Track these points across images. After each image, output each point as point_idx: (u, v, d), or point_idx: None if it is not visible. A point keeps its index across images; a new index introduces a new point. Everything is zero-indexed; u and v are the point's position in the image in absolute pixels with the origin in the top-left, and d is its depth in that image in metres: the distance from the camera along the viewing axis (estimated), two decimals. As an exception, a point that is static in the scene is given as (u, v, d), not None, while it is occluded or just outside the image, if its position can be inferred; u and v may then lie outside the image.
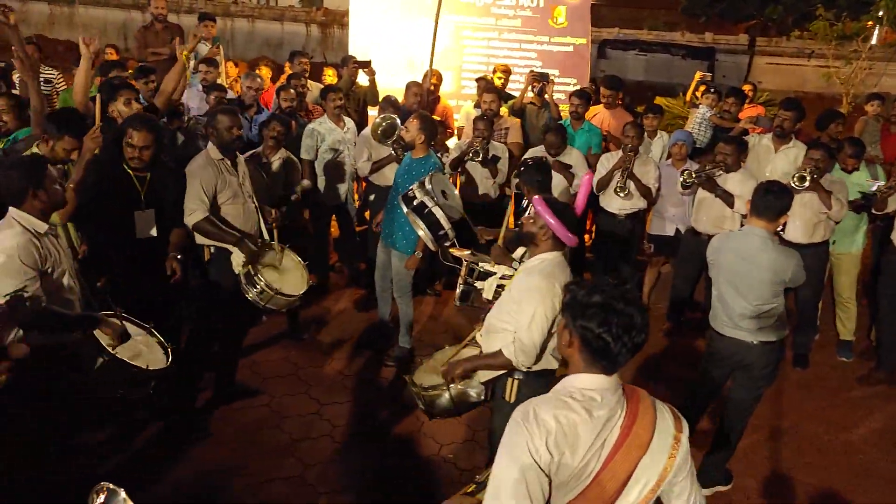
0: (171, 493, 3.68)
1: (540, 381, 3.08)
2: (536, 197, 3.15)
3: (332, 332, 5.56)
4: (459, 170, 5.90)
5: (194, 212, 4.03)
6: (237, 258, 4.10)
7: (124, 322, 3.36)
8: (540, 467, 1.82)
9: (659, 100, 10.62)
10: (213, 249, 4.20)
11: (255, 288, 4.05)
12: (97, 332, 3.15)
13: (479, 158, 5.59)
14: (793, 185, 4.77)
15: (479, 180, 5.91)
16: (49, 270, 3.07)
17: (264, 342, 5.31)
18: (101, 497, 1.37)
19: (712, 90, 7.13)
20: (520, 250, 4.26)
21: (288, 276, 4.32)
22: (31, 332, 2.98)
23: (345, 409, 4.58)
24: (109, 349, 3.13)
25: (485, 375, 3.29)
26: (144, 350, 3.41)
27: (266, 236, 4.42)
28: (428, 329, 5.72)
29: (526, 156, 5.81)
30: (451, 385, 3.28)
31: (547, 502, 1.88)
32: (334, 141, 5.79)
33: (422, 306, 6.11)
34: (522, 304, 3.02)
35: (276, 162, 5.20)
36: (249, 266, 4.03)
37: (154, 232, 3.99)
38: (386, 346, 5.29)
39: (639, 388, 2.03)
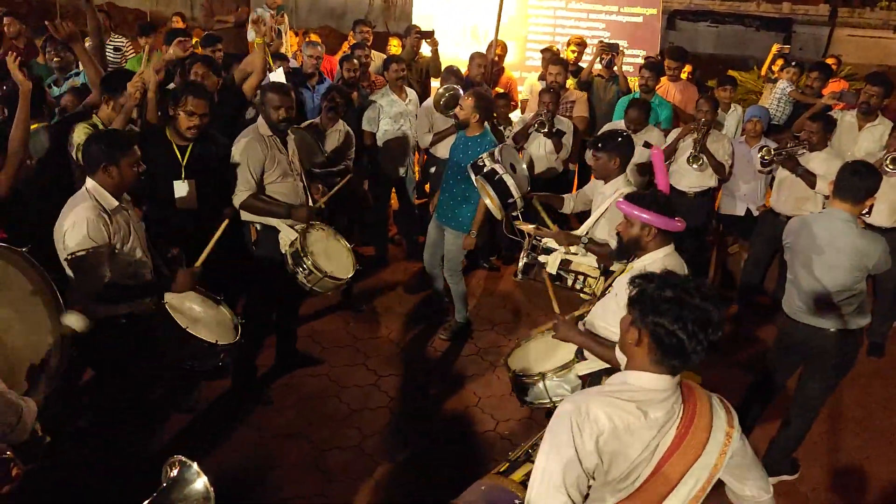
0: (237, 459, 3.77)
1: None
2: (620, 200, 2.96)
3: (390, 304, 5.58)
4: (522, 144, 5.78)
5: (240, 192, 3.98)
6: (285, 237, 4.05)
7: (196, 292, 3.43)
8: (583, 466, 1.74)
9: (731, 73, 10.16)
10: (259, 227, 4.16)
11: (303, 269, 3.97)
12: (169, 306, 3.21)
13: (545, 130, 5.44)
14: (886, 168, 4.50)
15: (544, 155, 5.77)
16: (119, 246, 3.12)
17: (322, 312, 5.36)
18: (175, 471, 1.37)
19: (793, 64, 6.76)
20: (584, 226, 4.16)
21: (335, 258, 4.25)
22: (99, 305, 3.05)
23: (401, 381, 4.59)
24: (181, 324, 3.18)
25: (584, 369, 3.16)
26: (214, 323, 3.45)
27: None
28: (485, 303, 5.67)
29: (604, 129, 5.64)
30: (547, 377, 3.19)
31: (586, 496, 1.81)
32: (396, 113, 5.74)
33: (479, 280, 6.07)
34: None
35: (333, 133, 5.18)
36: (298, 246, 3.96)
37: (194, 204, 3.91)
38: (441, 319, 5.28)
39: (696, 385, 1.93)
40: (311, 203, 4.28)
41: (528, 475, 2.33)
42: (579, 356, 3.17)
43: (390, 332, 5.18)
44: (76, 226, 2.97)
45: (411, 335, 5.15)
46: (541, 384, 3.21)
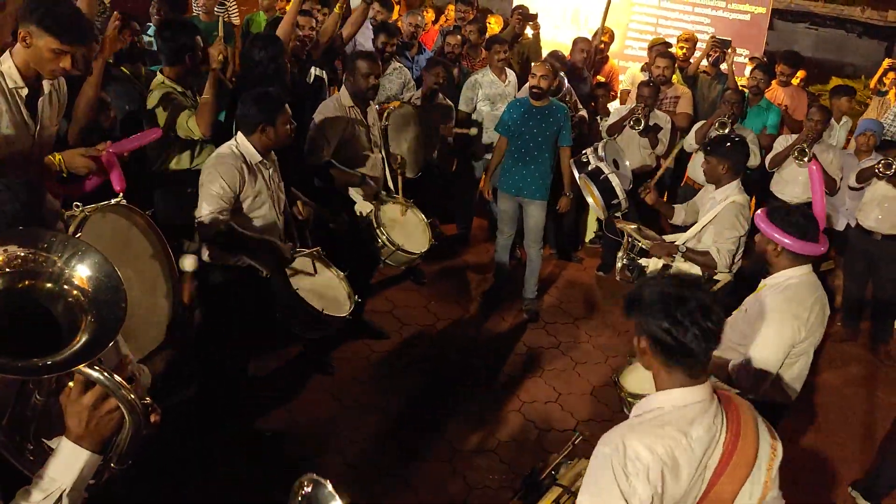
0: (319, 428, 3.81)
1: (771, 414, 2.85)
2: (759, 212, 2.82)
3: (470, 284, 5.52)
4: (615, 137, 5.62)
5: (319, 158, 4.00)
6: (359, 209, 4.05)
7: (320, 262, 3.46)
8: None
9: (836, 80, 9.73)
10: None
11: (376, 242, 3.96)
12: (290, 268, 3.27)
13: (640, 127, 5.27)
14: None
15: (637, 150, 5.59)
16: (251, 199, 3.19)
17: (405, 289, 5.35)
18: (307, 488, 1.35)
19: (920, 79, 6.38)
20: (682, 237, 4.01)
21: (411, 233, 4.22)
22: (216, 249, 3.11)
23: (479, 368, 4.54)
24: (293, 286, 3.22)
25: None
26: (330, 294, 3.47)
27: (391, 187, 4.36)
28: (567, 296, 5.57)
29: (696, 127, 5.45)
30: None
31: None
32: (494, 94, 5.63)
33: (562, 270, 5.96)
34: (757, 325, 2.73)
35: (434, 108, 5.11)
36: (372, 217, 3.95)
37: None
38: (509, 297, 5.25)
39: (734, 394, 1.82)
40: (388, 173, 4.31)
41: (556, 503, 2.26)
42: None
43: (470, 314, 5.14)
44: (215, 167, 3.10)
45: (492, 319, 5.10)
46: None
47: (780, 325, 2.66)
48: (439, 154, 5.30)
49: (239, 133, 3.20)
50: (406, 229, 4.20)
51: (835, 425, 4.37)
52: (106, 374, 1.38)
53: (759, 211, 2.84)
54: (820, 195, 3.36)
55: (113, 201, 2.18)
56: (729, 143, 4.01)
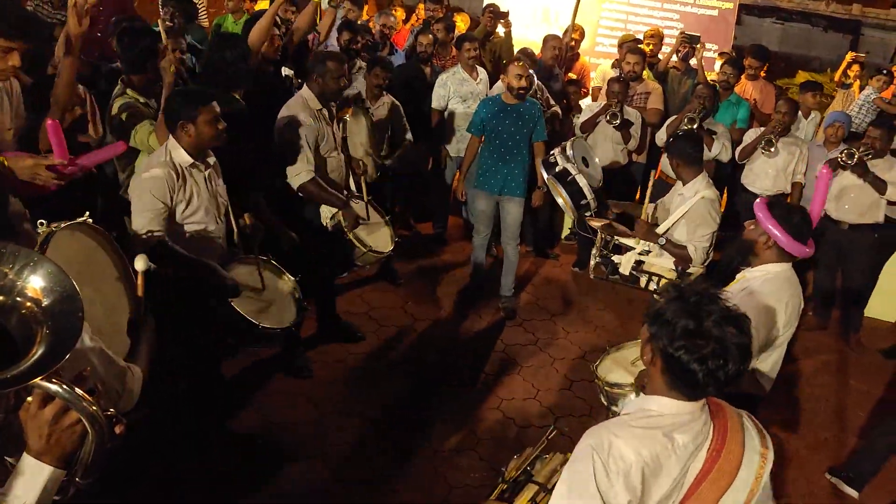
0: (295, 433, 3.77)
1: (745, 405, 2.87)
2: (758, 201, 2.83)
3: (447, 284, 5.50)
4: (589, 134, 5.64)
5: (300, 173, 3.84)
6: (326, 210, 4.02)
7: (268, 270, 3.36)
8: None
9: (803, 74, 9.89)
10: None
11: (347, 243, 3.95)
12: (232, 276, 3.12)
13: (617, 122, 5.30)
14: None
15: (610, 145, 5.62)
16: (184, 205, 3.02)
17: (381, 290, 5.33)
18: None
19: (884, 72, 6.51)
20: (663, 226, 4.04)
21: (375, 232, 4.24)
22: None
23: (458, 366, 4.53)
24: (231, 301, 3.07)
25: None
26: (276, 304, 3.34)
27: (353, 188, 4.32)
28: (544, 293, 5.58)
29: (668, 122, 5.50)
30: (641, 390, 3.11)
31: None
32: (466, 92, 5.62)
33: (538, 268, 5.97)
34: None
35: (380, 108, 5.08)
36: (339, 219, 3.93)
37: None
38: (486, 296, 5.26)
39: (724, 403, 1.82)
40: (352, 175, 4.29)
41: (532, 501, 2.27)
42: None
43: (447, 313, 5.13)
44: (142, 178, 2.94)
45: (469, 318, 5.09)
46: (632, 395, 3.11)
47: (757, 321, 2.66)
48: (412, 154, 5.28)
49: (170, 136, 3.05)
50: (371, 229, 4.22)
51: (809, 413, 4.43)
52: (65, 386, 1.34)
53: (758, 200, 2.84)
54: (821, 198, 3.37)
55: (79, 220, 2.12)
56: (682, 141, 4.06)
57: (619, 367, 3.17)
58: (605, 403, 3.15)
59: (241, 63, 3.74)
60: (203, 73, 4.11)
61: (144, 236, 2.90)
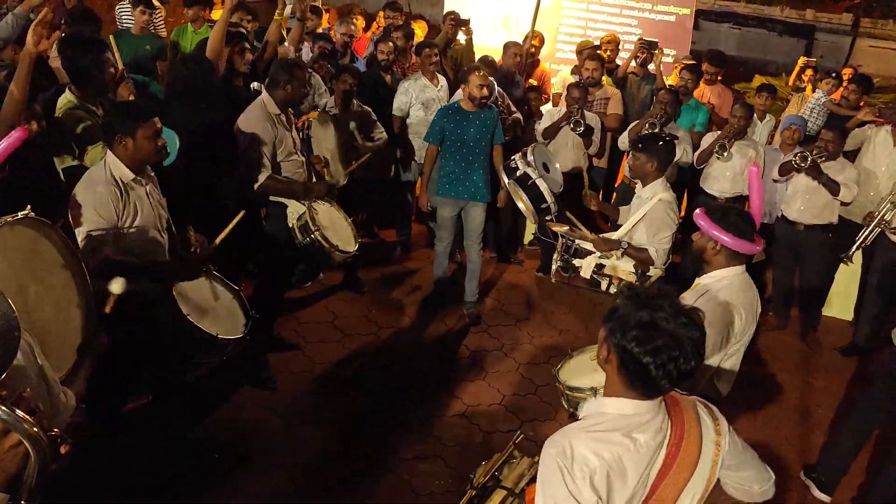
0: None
1: None
2: (698, 211, 2.86)
3: (411, 291, 5.50)
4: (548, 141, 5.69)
5: (260, 174, 3.95)
6: (293, 211, 4.07)
7: (212, 281, 3.31)
8: None
9: (759, 78, 10.10)
10: (267, 205, 4.20)
11: (312, 242, 3.98)
12: (177, 292, 3.05)
13: (581, 129, 5.35)
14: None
15: (571, 151, 5.68)
16: (129, 221, 2.96)
17: (345, 297, 5.30)
18: None
19: (832, 75, 6.68)
20: (622, 230, 4.09)
21: (340, 231, 4.29)
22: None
23: (424, 374, 4.52)
24: (183, 311, 3.01)
25: None
26: (224, 315, 3.29)
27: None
28: (508, 298, 5.60)
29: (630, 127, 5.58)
30: (598, 391, 3.11)
31: None
32: (427, 98, 5.64)
33: (502, 273, 6.00)
34: None
35: (350, 114, 5.09)
36: (307, 219, 3.97)
37: None
38: (450, 302, 5.27)
39: (680, 396, 1.85)
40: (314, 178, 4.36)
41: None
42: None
43: (411, 320, 5.12)
44: (85, 195, 2.86)
45: (434, 325, 5.09)
46: (593, 399, 3.12)
47: (715, 329, 2.67)
48: (376, 161, 5.27)
49: (108, 151, 2.98)
50: (336, 230, 4.25)
51: (773, 413, 4.51)
52: (4, 408, 1.31)
53: (697, 210, 2.88)
54: (757, 195, 3.44)
55: (20, 214, 2.07)
56: (661, 142, 4.10)
57: (581, 370, 3.18)
58: (566, 407, 3.17)
59: (207, 80, 3.88)
60: (170, 90, 4.11)
61: (90, 253, 2.80)
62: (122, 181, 2.94)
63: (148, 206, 3.06)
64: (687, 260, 3.49)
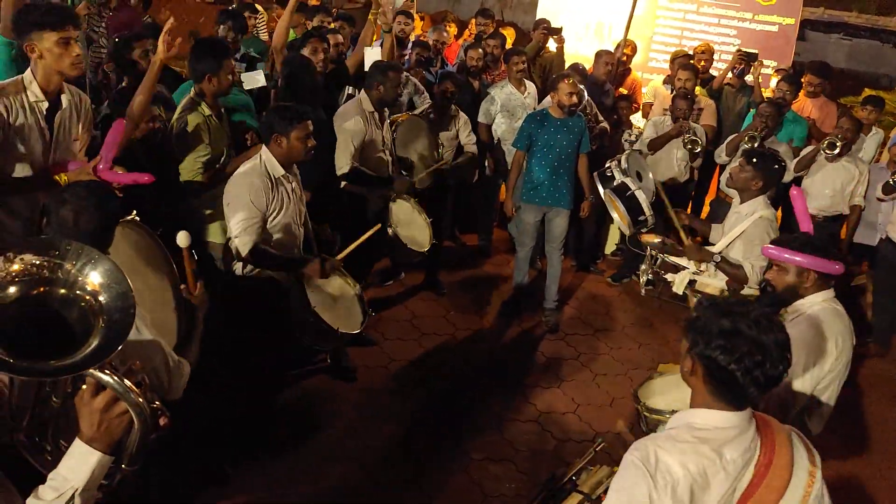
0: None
1: None
2: (766, 246, 2.80)
3: (490, 296, 5.53)
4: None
5: (344, 166, 4.27)
6: (372, 205, 4.34)
7: (336, 275, 3.52)
8: None
9: (870, 92, 9.55)
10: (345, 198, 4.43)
11: (386, 236, 4.18)
12: (307, 282, 3.32)
13: (698, 149, 5.27)
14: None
15: (674, 162, 5.54)
16: (275, 214, 3.27)
17: (425, 299, 5.40)
18: None
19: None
20: (719, 245, 3.96)
21: (416, 230, 4.45)
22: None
23: (500, 379, 4.55)
24: (311, 302, 3.27)
25: None
26: (344, 309, 3.52)
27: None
28: (587, 307, 5.56)
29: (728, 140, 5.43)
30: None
31: None
32: (513, 106, 5.65)
33: (582, 282, 5.96)
34: None
35: (445, 118, 5.20)
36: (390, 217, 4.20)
37: None
38: (529, 308, 5.28)
39: (772, 419, 1.78)
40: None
41: None
42: None
43: (489, 324, 5.16)
44: (241, 184, 3.19)
45: (511, 329, 5.11)
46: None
47: (805, 357, 2.59)
48: (458, 165, 5.35)
49: (263, 146, 3.31)
50: (412, 227, 4.44)
51: (870, 448, 4.26)
52: (116, 377, 1.44)
53: (765, 247, 2.82)
54: (805, 218, 3.33)
55: (127, 217, 2.27)
56: (776, 165, 3.92)
57: (664, 391, 3.13)
58: (643, 429, 3.12)
59: (315, 84, 4.23)
60: (284, 91, 4.31)
61: (242, 240, 3.15)
62: (273, 175, 3.26)
63: (292, 201, 3.37)
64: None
